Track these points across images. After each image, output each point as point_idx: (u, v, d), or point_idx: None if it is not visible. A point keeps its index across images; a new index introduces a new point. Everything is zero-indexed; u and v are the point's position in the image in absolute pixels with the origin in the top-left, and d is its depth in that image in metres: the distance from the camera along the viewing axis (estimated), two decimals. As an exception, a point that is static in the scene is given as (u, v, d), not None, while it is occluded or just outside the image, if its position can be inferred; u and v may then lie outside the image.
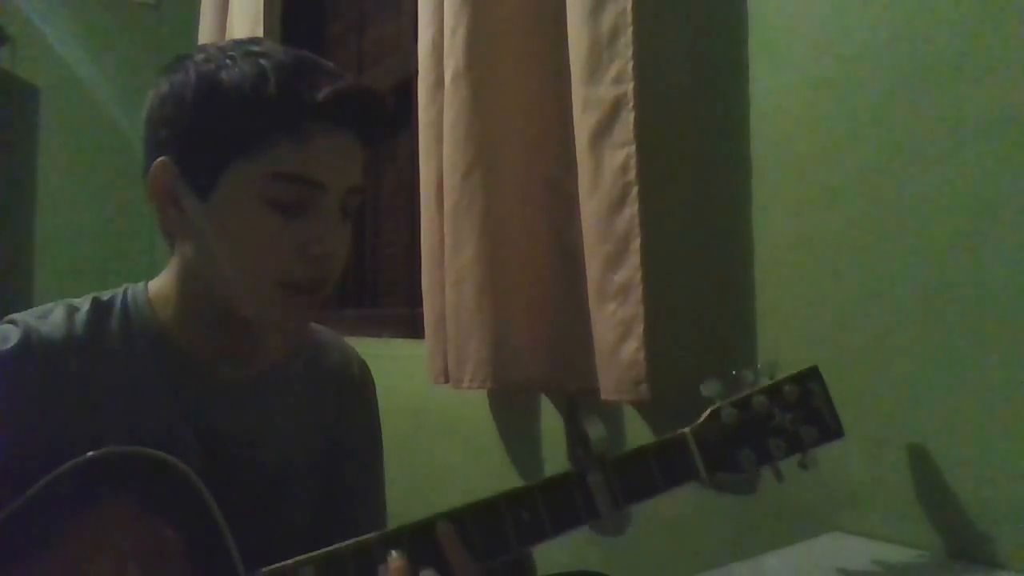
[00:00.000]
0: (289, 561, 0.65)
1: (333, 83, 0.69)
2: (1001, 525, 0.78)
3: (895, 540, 0.86)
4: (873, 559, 0.82)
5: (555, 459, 1.30)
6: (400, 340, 1.85)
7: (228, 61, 0.69)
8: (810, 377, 0.74)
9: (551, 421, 1.31)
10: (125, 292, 0.77)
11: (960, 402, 0.82)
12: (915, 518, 0.85)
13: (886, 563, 0.81)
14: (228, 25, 2.25)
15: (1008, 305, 0.78)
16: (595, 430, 0.70)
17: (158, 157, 0.70)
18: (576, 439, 0.72)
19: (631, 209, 1.07)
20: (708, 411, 0.73)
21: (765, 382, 0.75)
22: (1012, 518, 0.78)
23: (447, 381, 1.38)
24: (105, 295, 0.77)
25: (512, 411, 1.40)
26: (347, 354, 0.91)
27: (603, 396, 1.11)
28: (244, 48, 0.71)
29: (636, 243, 1.06)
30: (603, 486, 0.68)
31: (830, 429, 0.74)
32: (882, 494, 0.88)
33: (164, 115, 0.71)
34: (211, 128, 0.69)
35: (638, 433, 1.14)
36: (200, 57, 0.71)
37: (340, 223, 0.72)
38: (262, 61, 0.69)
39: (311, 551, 0.66)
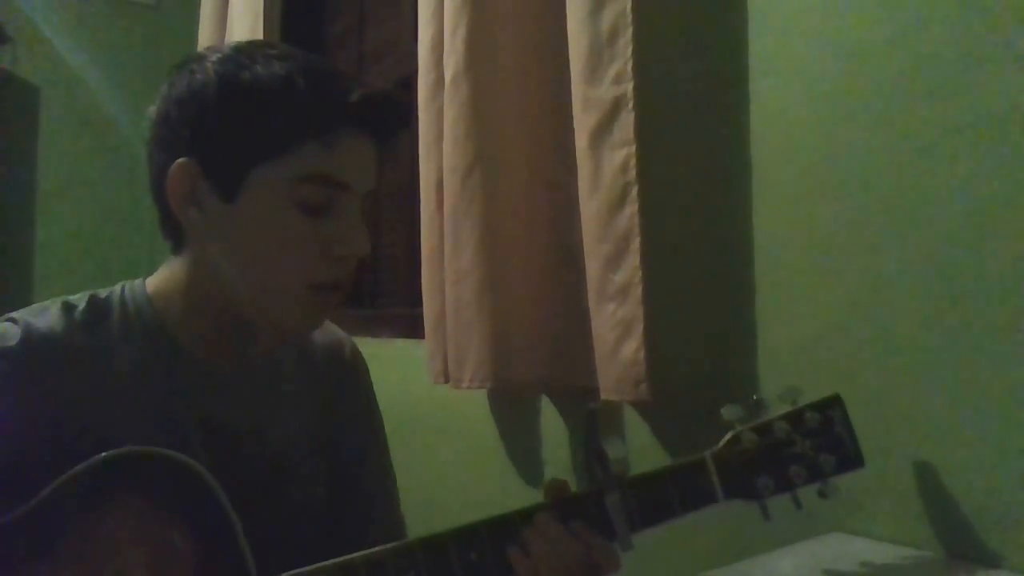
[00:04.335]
0: (302, 569, 0.64)
1: (357, 87, 0.71)
2: (1000, 526, 0.78)
3: (896, 541, 0.86)
4: (874, 559, 0.82)
5: (555, 460, 1.30)
6: (400, 340, 1.85)
7: (248, 62, 0.70)
8: (832, 405, 0.74)
9: (551, 421, 1.31)
10: (122, 289, 0.77)
11: (961, 404, 0.81)
12: (916, 519, 0.85)
13: (887, 563, 0.81)
14: (228, 25, 2.25)
15: (1009, 308, 0.78)
16: (615, 449, 0.69)
17: (176, 158, 0.70)
18: (593, 455, 0.71)
19: (631, 209, 1.07)
20: (729, 435, 0.72)
21: (786, 408, 0.74)
22: (1011, 519, 0.78)
23: (447, 381, 1.38)
24: (102, 292, 0.76)
25: (512, 411, 1.40)
26: (336, 335, 0.91)
27: (603, 396, 1.11)
28: (262, 50, 0.71)
29: (636, 243, 1.06)
30: (620, 508, 0.67)
31: (851, 458, 0.73)
32: (883, 495, 0.88)
33: (184, 116, 0.70)
34: (238, 129, 0.69)
35: (638, 433, 1.14)
36: (216, 57, 0.71)
37: (362, 224, 0.73)
38: (286, 63, 0.69)
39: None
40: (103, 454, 0.63)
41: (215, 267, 0.73)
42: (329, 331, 0.90)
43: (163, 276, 0.77)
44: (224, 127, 0.69)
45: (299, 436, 0.81)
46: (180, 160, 0.70)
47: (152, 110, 0.74)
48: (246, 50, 0.72)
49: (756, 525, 0.80)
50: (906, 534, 0.85)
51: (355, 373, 0.91)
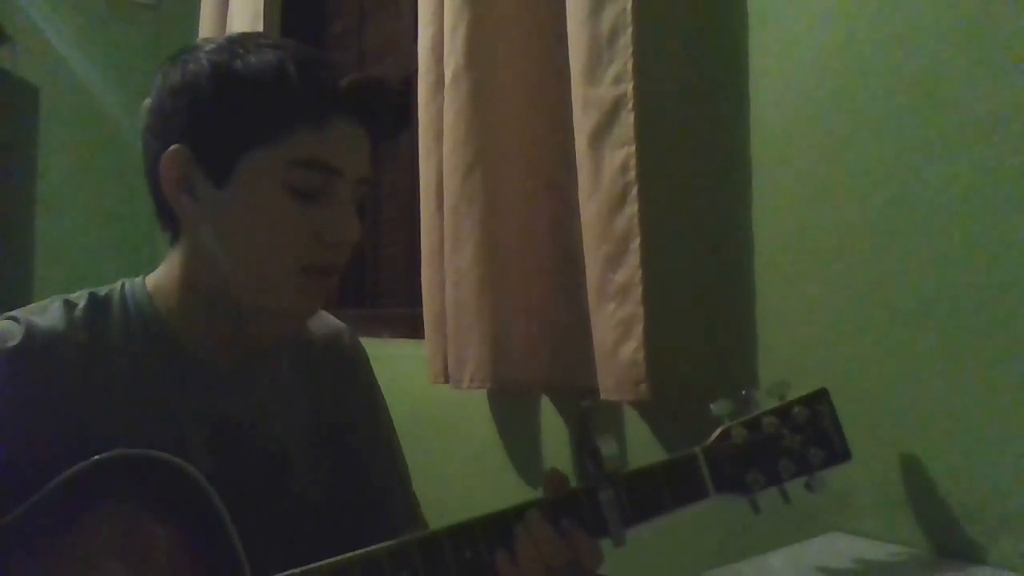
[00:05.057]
0: (296, 570, 0.64)
1: (348, 73, 0.72)
2: (988, 524, 0.79)
3: (890, 539, 0.87)
4: (869, 557, 0.82)
5: (555, 460, 1.30)
6: (400, 340, 1.85)
7: (241, 50, 0.71)
8: (819, 399, 0.74)
9: (551, 421, 1.31)
10: (122, 287, 0.77)
11: (952, 407, 0.82)
12: (908, 519, 0.85)
13: (881, 561, 0.82)
14: (228, 25, 2.25)
15: (1001, 309, 0.78)
16: (608, 446, 0.69)
17: (169, 145, 0.71)
18: (586, 452, 0.71)
19: (631, 209, 1.07)
20: (719, 430, 0.72)
21: (775, 402, 0.74)
22: (998, 518, 0.78)
23: (447, 381, 1.38)
24: (101, 290, 0.77)
25: (512, 411, 1.40)
26: (334, 325, 0.91)
27: (603, 396, 1.11)
28: (254, 40, 0.72)
29: (636, 243, 1.06)
30: (614, 504, 0.68)
31: (837, 452, 0.73)
32: (878, 496, 0.88)
33: (177, 104, 0.71)
34: (230, 116, 0.70)
35: (638, 433, 1.14)
36: (210, 47, 0.72)
37: (353, 211, 0.74)
38: (279, 52, 0.70)
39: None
40: (95, 457, 0.63)
41: (209, 254, 0.73)
42: (327, 322, 0.90)
43: (162, 272, 0.78)
44: (216, 113, 0.70)
45: (300, 429, 0.82)
46: (173, 147, 0.71)
47: (147, 101, 0.74)
48: (240, 40, 0.73)
49: (751, 526, 0.80)
50: (899, 533, 0.86)
51: (355, 361, 0.91)
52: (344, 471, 0.85)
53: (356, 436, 0.87)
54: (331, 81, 0.71)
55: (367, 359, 0.93)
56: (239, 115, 0.70)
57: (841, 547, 0.87)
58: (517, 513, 0.67)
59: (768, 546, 0.88)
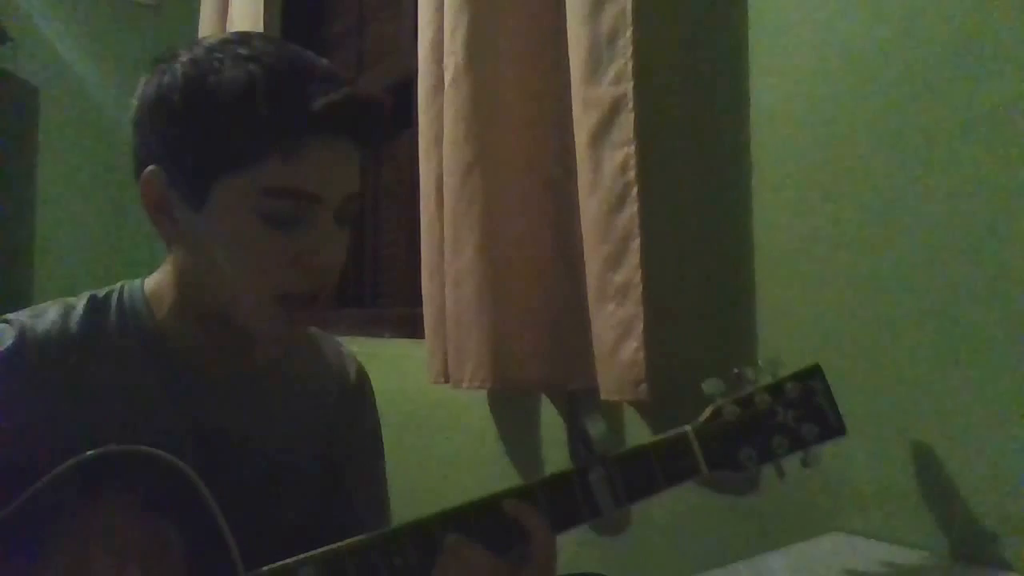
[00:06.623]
0: (289, 560, 0.64)
1: (326, 90, 0.65)
2: (1005, 526, 0.78)
3: (897, 540, 0.86)
4: (874, 559, 0.82)
5: (555, 459, 1.30)
6: (400, 340, 1.85)
7: (216, 64, 0.66)
8: (812, 375, 0.74)
9: (551, 421, 1.31)
10: (121, 289, 0.77)
11: (963, 402, 0.81)
12: (917, 519, 0.85)
13: (887, 563, 0.81)
14: (228, 26, 2.25)
15: (1010, 305, 0.78)
16: (596, 428, 0.70)
17: (148, 164, 0.69)
18: (578, 437, 0.72)
19: (631, 209, 1.07)
20: (710, 408, 0.73)
21: (768, 380, 0.74)
22: (1017, 519, 0.77)
23: (447, 381, 1.38)
24: (101, 292, 0.76)
25: (512, 411, 1.40)
26: (344, 357, 0.90)
27: (603, 396, 1.11)
28: (233, 49, 0.67)
29: (636, 243, 1.06)
30: (605, 484, 0.68)
31: (832, 427, 0.74)
32: (884, 494, 0.88)
33: (152, 123, 0.69)
34: (199, 140, 0.66)
35: (638, 433, 1.14)
36: (186, 57, 0.68)
37: (336, 232, 0.70)
38: (251, 67, 0.65)
39: (310, 550, 0.66)
40: (86, 453, 0.63)
41: (194, 273, 0.72)
42: (336, 351, 0.89)
43: (159, 276, 0.77)
44: (187, 136, 0.67)
45: (293, 450, 0.81)
46: (149, 168, 0.69)
47: (132, 109, 0.72)
48: (220, 47, 0.68)
49: (751, 526, 0.80)
50: (907, 534, 0.85)
51: (361, 400, 0.90)
52: (328, 500, 0.84)
53: (348, 471, 0.86)
54: (304, 104, 0.64)
55: (372, 395, 0.91)
56: (208, 139, 0.66)
57: (842, 547, 0.87)
58: (476, 508, 0.68)
59: (768, 546, 0.88)
